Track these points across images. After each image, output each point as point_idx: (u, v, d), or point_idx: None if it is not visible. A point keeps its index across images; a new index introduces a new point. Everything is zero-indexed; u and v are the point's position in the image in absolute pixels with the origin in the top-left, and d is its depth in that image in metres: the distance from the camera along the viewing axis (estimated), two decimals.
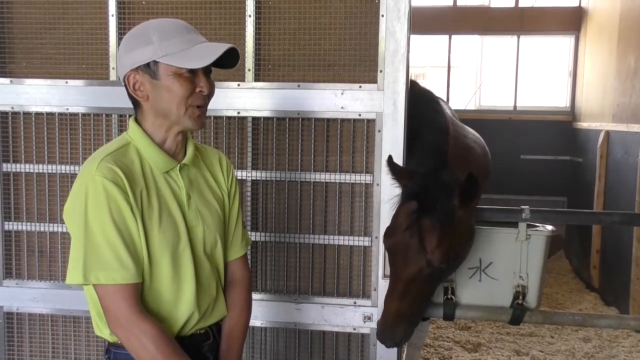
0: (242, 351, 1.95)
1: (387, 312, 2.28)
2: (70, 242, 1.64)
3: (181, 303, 1.73)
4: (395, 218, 2.33)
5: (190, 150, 1.80)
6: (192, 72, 1.66)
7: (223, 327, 1.91)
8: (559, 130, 7.95)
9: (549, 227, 2.53)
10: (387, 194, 2.48)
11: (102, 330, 1.75)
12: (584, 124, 7.30)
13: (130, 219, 1.61)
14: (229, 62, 1.72)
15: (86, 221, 1.59)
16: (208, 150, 1.95)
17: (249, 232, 2.63)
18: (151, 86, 1.66)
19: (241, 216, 1.98)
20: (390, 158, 2.35)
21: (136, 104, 1.74)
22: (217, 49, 1.65)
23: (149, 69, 1.65)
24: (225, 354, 1.88)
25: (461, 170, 2.44)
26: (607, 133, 6.10)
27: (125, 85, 1.70)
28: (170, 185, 1.73)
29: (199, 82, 1.67)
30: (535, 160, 7.96)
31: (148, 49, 1.63)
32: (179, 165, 1.75)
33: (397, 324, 2.25)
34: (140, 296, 1.65)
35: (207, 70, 1.70)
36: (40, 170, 2.73)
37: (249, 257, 2.63)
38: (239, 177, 2.62)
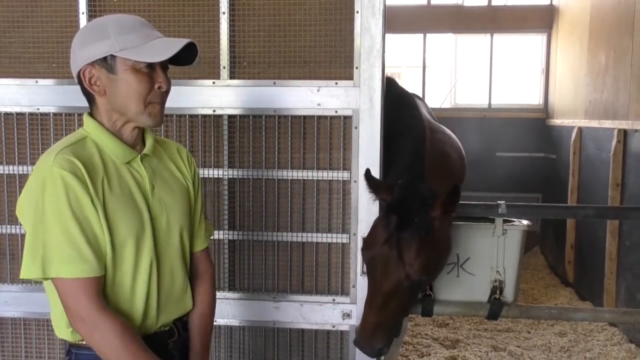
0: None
1: (365, 323, 2.27)
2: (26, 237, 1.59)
3: (136, 293, 1.68)
4: (373, 231, 2.32)
5: (149, 141, 1.77)
6: (150, 67, 1.63)
7: (191, 321, 1.87)
8: (533, 128, 8.06)
9: (525, 222, 2.55)
10: (365, 191, 2.47)
11: (61, 331, 1.70)
12: (557, 121, 7.40)
13: (90, 210, 1.57)
14: (188, 58, 1.70)
15: (44, 214, 1.54)
16: (167, 142, 1.92)
17: (227, 231, 2.61)
18: (108, 81, 1.64)
19: (204, 207, 1.97)
20: (367, 171, 2.33)
21: (91, 99, 1.70)
22: (176, 44, 1.63)
23: (106, 63, 1.62)
24: (196, 348, 1.86)
25: (438, 179, 2.46)
26: (580, 129, 6.19)
27: (80, 81, 1.67)
28: (133, 176, 1.70)
29: (157, 78, 1.65)
30: (510, 157, 8.06)
31: (105, 42, 1.61)
32: (139, 155, 1.72)
33: (376, 335, 2.24)
34: (103, 289, 1.61)
35: (164, 66, 1.67)
36: (11, 172, 2.67)
37: (226, 256, 2.63)
38: (215, 176, 2.60)
